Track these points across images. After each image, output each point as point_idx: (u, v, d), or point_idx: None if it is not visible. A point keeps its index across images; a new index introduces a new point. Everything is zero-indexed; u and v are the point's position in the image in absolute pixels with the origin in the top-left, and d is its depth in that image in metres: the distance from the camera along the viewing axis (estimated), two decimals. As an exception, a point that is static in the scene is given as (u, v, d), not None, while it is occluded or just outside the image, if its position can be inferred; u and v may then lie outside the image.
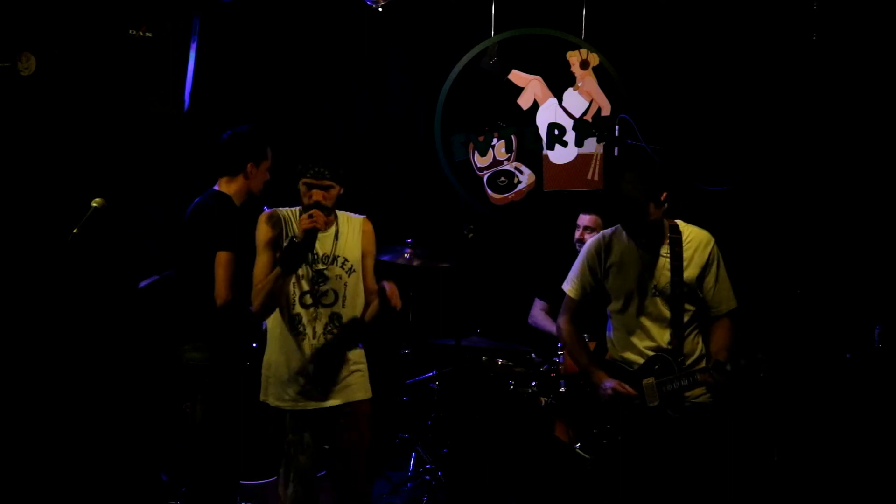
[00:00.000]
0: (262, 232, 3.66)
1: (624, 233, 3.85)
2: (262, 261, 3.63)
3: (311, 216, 3.47)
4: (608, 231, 3.94)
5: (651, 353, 3.77)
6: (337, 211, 3.72)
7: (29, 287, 4.97)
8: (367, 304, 3.70)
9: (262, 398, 3.69)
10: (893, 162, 5.28)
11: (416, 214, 5.75)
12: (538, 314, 5.24)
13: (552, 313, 5.18)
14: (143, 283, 4.83)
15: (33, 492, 4.65)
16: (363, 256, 3.74)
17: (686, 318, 3.77)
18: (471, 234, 3.35)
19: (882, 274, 5.11)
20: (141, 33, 4.97)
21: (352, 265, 3.68)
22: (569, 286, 3.98)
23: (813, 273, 5.18)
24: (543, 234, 5.66)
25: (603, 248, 3.90)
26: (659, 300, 3.77)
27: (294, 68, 5.74)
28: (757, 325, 4.03)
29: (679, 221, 3.84)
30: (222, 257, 3.77)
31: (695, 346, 3.79)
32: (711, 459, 3.76)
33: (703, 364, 3.77)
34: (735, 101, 5.54)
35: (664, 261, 3.77)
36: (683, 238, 3.79)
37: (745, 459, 4.85)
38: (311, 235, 3.49)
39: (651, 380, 3.75)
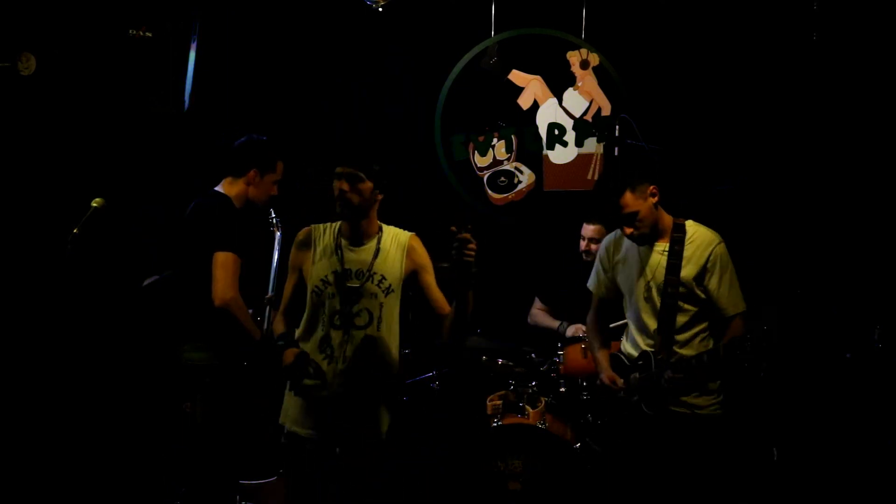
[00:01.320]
0: (292, 252, 3.52)
1: None
2: (288, 283, 3.52)
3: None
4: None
5: (646, 349, 3.81)
6: (384, 225, 3.51)
7: (29, 287, 4.98)
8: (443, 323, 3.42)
9: (280, 420, 3.47)
10: (893, 162, 5.28)
11: (416, 214, 5.74)
12: (537, 313, 5.25)
13: (551, 315, 5.19)
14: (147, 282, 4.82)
15: (33, 492, 4.66)
16: (418, 273, 3.46)
17: (684, 318, 3.75)
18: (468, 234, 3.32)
19: (882, 274, 5.11)
20: (141, 33, 4.97)
21: (390, 284, 3.40)
22: (589, 283, 4.09)
23: (813, 273, 5.18)
24: (543, 234, 5.67)
25: (612, 245, 3.97)
26: (655, 296, 3.78)
27: (294, 68, 5.74)
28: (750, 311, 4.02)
29: (689, 221, 3.85)
30: (220, 258, 3.77)
31: (701, 349, 3.74)
32: (696, 466, 3.77)
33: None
34: (735, 101, 5.54)
35: (662, 258, 3.78)
36: (686, 237, 3.79)
37: (745, 459, 4.85)
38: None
39: (636, 374, 3.82)
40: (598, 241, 4.96)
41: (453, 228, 3.11)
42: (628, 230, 3.76)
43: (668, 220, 3.82)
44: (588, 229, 5.05)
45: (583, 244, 5.06)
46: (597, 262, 4.04)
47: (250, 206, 4.05)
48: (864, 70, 5.36)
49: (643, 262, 3.81)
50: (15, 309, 4.97)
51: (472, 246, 3.08)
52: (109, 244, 5.08)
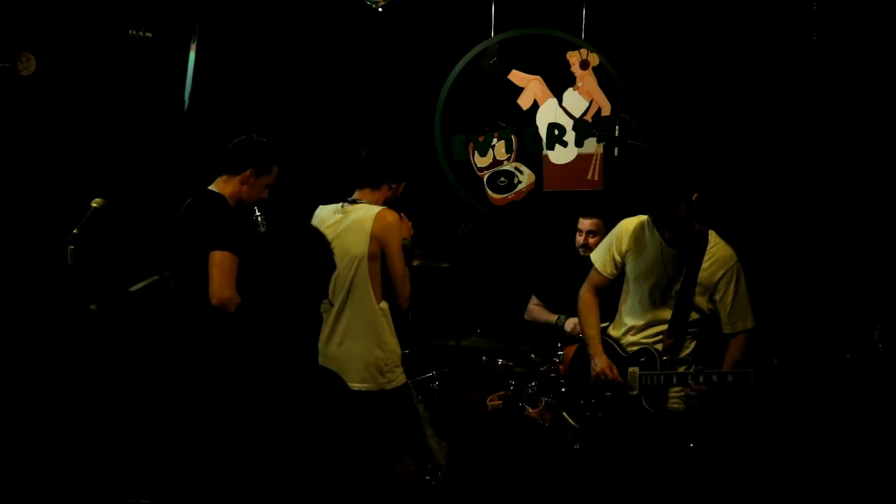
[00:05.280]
0: None
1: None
2: None
3: None
4: (646, 217, 4.02)
5: (645, 343, 3.87)
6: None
7: (29, 287, 4.98)
8: None
9: None
10: (893, 162, 5.27)
11: (416, 214, 5.74)
12: (533, 308, 5.24)
13: (548, 310, 5.19)
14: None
15: (32, 492, 4.66)
16: None
17: (687, 321, 3.82)
18: (463, 233, 3.32)
19: (882, 274, 5.10)
20: (141, 33, 4.98)
21: None
22: (595, 255, 4.14)
23: (813, 273, 5.18)
24: (543, 234, 5.66)
25: (631, 231, 4.02)
26: (667, 297, 3.85)
27: (294, 68, 5.73)
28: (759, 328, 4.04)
29: (712, 231, 3.93)
30: (216, 257, 3.77)
31: (686, 350, 3.87)
32: (681, 462, 3.84)
33: (684, 369, 3.89)
34: (735, 101, 5.54)
35: (681, 261, 3.85)
36: (708, 247, 3.86)
37: (744, 459, 4.85)
38: None
39: (636, 369, 3.88)
40: (595, 234, 4.95)
41: None
42: (669, 236, 3.85)
43: (695, 226, 3.90)
44: (585, 223, 5.03)
45: (580, 238, 5.04)
46: (609, 240, 4.09)
47: (242, 205, 4.06)
48: (864, 70, 5.35)
49: (663, 261, 3.89)
50: (14, 309, 4.97)
51: None
52: (109, 244, 5.08)
